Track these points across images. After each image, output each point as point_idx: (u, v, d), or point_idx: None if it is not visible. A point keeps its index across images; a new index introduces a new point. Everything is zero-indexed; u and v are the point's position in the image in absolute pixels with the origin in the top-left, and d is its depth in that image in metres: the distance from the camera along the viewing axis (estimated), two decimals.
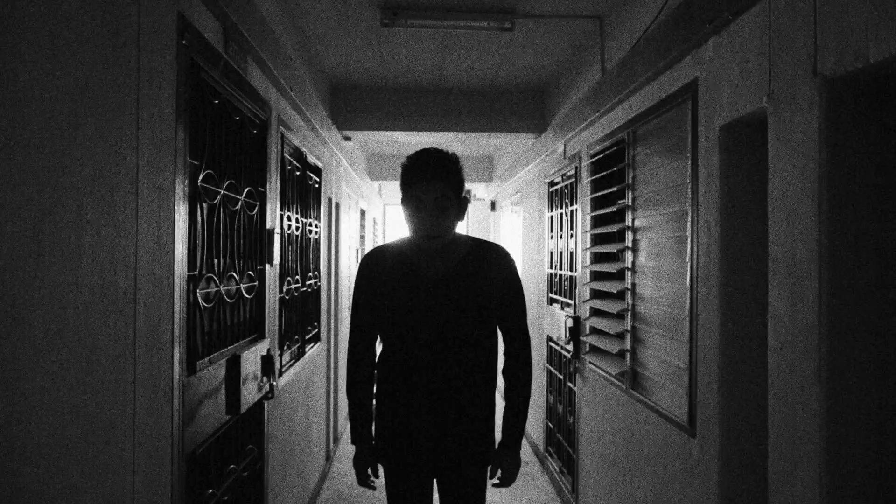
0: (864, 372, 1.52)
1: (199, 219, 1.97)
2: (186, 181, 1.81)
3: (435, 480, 2.18)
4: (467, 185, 10.19)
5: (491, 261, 2.10)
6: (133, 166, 1.47)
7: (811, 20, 1.61)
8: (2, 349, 1.01)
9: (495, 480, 2.17)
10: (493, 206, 8.60)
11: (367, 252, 2.21)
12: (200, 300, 2.00)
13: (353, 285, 7.26)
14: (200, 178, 1.98)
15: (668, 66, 2.50)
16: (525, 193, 6.00)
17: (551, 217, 4.76)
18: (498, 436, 2.17)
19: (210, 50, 1.98)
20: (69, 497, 1.20)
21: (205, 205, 2.03)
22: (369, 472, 2.18)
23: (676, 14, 2.38)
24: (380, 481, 2.25)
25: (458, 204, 2.03)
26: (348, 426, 6.21)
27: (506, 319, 2.13)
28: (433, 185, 1.96)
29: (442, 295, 2.04)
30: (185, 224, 1.80)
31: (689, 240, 2.34)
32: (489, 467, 2.15)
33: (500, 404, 2.31)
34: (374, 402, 2.18)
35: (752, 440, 2.00)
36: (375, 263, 2.14)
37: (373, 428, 2.19)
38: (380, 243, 11.63)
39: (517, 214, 6.67)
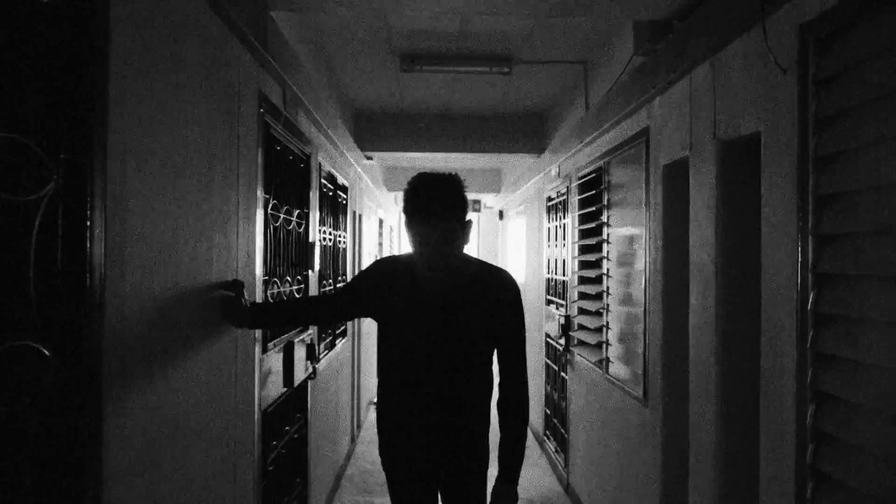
0: (742, 342, 2.16)
1: (268, 236, 2.64)
2: (262, 210, 2.48)
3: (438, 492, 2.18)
4: (477, 196, 10.83)
5: (494, 287, 2.05)
6: (235, 203, 2.14)
7: (712, 99, 2.26)
8: (181, 325, 1.68)
9: None
10: (500, 214, 9.25)
11: (377, 259, 2.27)
12: (269, 298, 2.67)
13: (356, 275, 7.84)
14: (270, 207, 2.65)
15: (630, 113, 3.14)
16: (528, 206, 6.65)
17: (549, 228, 5.41)
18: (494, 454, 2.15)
19: (275, 110, 2.66)
20: (205, 427, 1.87)
21: (271, 226, 2.71)
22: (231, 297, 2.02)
23: (635, 74, 3.03)
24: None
25: (462, 231, 1.96)
26: (371, 411, 6.89)
27: (504, 350, 2.07)
28: (436, 224, 1.88)
29: (443, 317, 2.01)
30: (261, 241, 2.47)
31: (644, 253, 2.98)
32: (490, 501, 2.09)
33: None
34: (377, 418, 2.21)
35: (683, 405, 2.63)
36: (383, 272, 2.13)
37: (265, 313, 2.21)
38: (395, 250, 12.27)
39: (522, 224, 7.32)
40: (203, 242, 1.83)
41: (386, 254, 9.63)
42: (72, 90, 1.17)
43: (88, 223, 1.20)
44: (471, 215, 2.06)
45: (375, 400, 2.25)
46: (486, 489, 2.15)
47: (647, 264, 2.93)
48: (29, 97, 1.09)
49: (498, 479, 2.07)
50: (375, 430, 2.22)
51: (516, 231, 7.89)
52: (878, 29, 1.42)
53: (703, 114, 2.34)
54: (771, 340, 1.86)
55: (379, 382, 2.19)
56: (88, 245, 1.20)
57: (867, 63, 1.47)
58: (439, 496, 2.16)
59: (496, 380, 2.12)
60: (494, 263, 2.23)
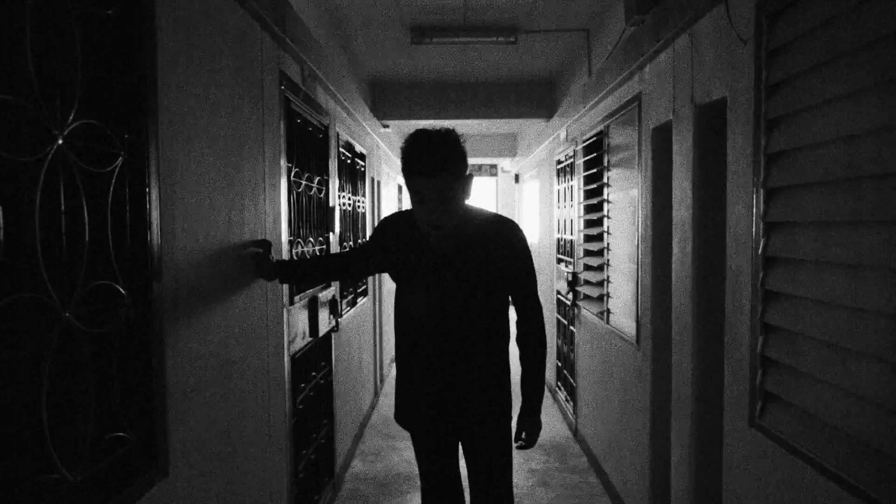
0: (713, 288, 2.40)
1: (291, 202, 2.93)
2: (286, 178, 2.77)
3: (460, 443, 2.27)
4: (495, 160, 10.99)
5: (500, 235, 2.08)
6: (262, 172, 2.43)
7: (690, 68, 2.47)
8: (219, 278, 1.99)
9: (519, 443, 2.22)
10: (516, 178, 9.45)
11: (385, 217, 2.32)
12: (294, 256, 2.98)
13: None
14: (293, 174, 2.94)
15: (625, 80, 3.35)
16: (540, 169, 6.86)
17: (558, 190, 5.63)
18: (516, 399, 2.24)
19: (294, 86, 2.92)
20: (244, 362, 2.19)
21: (294, 192, 3.00)
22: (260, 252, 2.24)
23: (627, 43, 3.22)
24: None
25: (463, 186, 1.98)
26: (392, 368, 7.28)
27: (516, 292, 2.14)
28: (434, 181, 1.90)
29: (451, 270, 2.06)
30: (286, 206, 2.76)
31: (638, 211, 3.21)
32: (515, 431, 2.20)
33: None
34: (395, 370, 2.32)
35: (668, 346, 2.90)
36: (390, 231, 2.19)
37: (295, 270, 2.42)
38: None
39: (536, 186, 7.53)
40: (236, 207, 2.12)
41: None
42: (130, 82, 1.45)
43: (147, 190, 1.49)
44: (477, 173, 2.21)
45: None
46: (509, 437, 2.21)
47: (640, 221, 3.16)
48: (101, 90, 1.38)
49: (521, 409, 2.18)
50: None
51: (531, 194, 8.10)
52: (818, 4, 1.63)
53: (683, 81, 2.55)
54: (732, 283, 2.11)
55: (396, 342, 2.25)
56: (148, 208, 1.49)
57: (808, 35, 1.68)
58: (460, 446, 2.25)
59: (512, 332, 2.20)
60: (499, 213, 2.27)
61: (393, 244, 2.15)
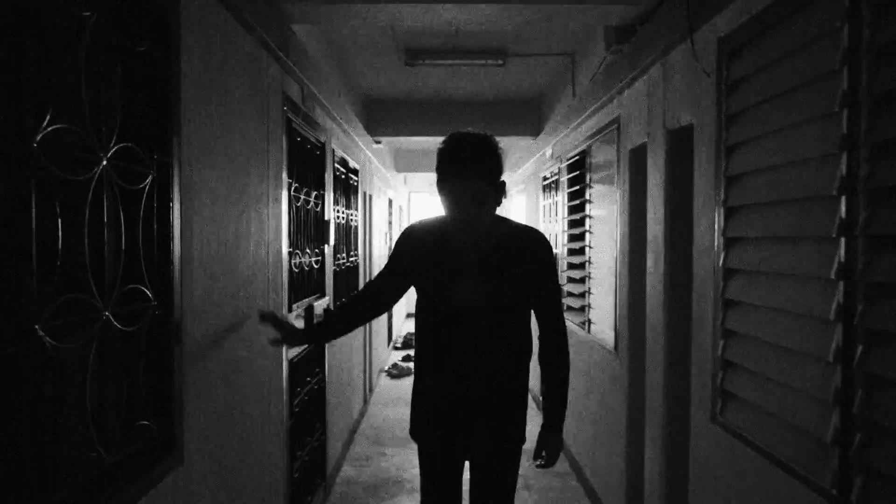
0: (682, 298, 2.61)
1: (291, 215, 3.11)
2: (287, 193, 2.95)
3: (468, 463, 2.18)
4: None
5: (528, 244, 2.04)
6: (266, 187, 2.61)
7: (663, 95, 2.68)
8: (229, 285, 2.16)
9: (539, 462, 2.14)
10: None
11: (407, 226, 2.18)
12: (293, 267, 3.15)
13: (384, 262, 8.37)
14: (293, 189, 3.12)
15: (605, 103, 3.57)
16: (527, 184, 7.08)
17: (544, 205, 5.85)
18: (531, 416, 2.26)
19: (295, 106, 3.11)
20: (247, 366, 2.36)
21: (294, 206, 3.17)
22: (278, 318, 2.17)
23: (607, 70, 3.45)
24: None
25: (497, 192, 1.93)
26: (381, 378, 7.43)
27: (541, 305, 2.08)
28: (470, 183, 1.86)
29: (478, 277, 1.99)
30: (286, 219, 2.94)
31: (617, 227, 3.42)
32: (535, 449, 2.14)
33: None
34: (413, 395, 2.20)
35: (643, 353, 3.09)
36: (416, 238, 2.10)
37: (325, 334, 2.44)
38: (415, 220, 12.67)
39: (523, 201, 7.75)
40: (243, 219, 2.30)
41: (396, 232, 10.09)
42: (159, 108, 1.64)
43: (171, 205, 1.67)
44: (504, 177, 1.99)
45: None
46: (517, 467, 2.15)
47: (619, 236, 3.37)
48: (134, 115, 1.56)
49: (543, 426, 2.11)
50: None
51: (518, 208, 8.32)
52: (768, 46, 1.85)
53: (656, 107, 2.77)
54: (698, 293, 2.31)
55: (417, 353, 2.15)
56: (172, 221, 1.67)
57: (759, 72, 1.90)
58: (469, 470, 2.18)
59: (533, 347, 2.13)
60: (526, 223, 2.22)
61: (420, 253, 2.07)
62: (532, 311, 2.13)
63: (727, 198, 2.06)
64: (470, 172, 1.86)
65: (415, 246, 2.09)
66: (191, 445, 1.81)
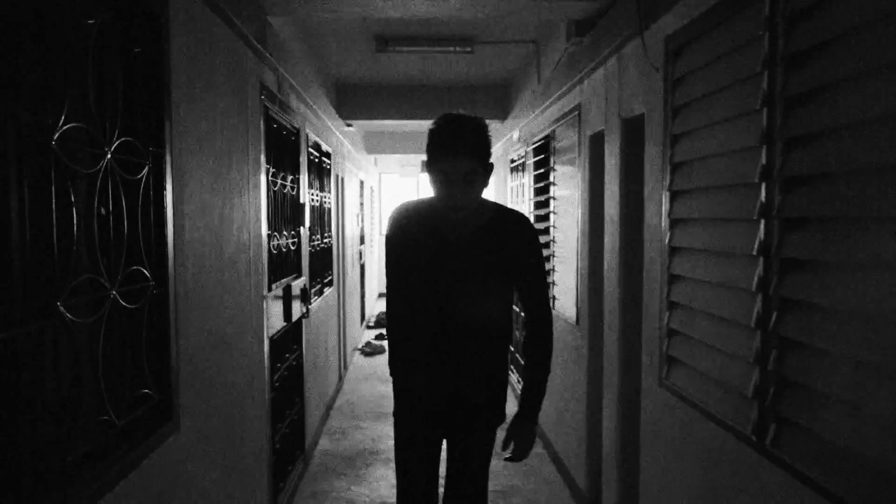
0: (635, 274, 2.84)
1: (269, 199, 3.26)
2: (265, 178, 3.09)
3: (445, 440, 2.19)
4: None
5: (513, 228, 2.05)
6: (246, 173, 2.75)
7: (618, 86, 2.89)
8: (216, 266, 2.31)
9: (507, 454, 2.12)
10: None
11: (395, 210, 2.16)
12: (272, 249, 3.30)
13: (356, 243, 8.54)
14: (270, 174, 3.26)
15: (567, 90, 3.76)
16: (496, 166, 7.27)
17: (512, 187, 6.05)
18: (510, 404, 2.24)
19: (272, 94, 3.24)
20: (232, 341, 2.52)
21: (272, 191, 3.32)
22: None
23: (569, 60, 3.64)
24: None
25: (485, 173, 1.97)
26: (355, 356, 7.61)
27: (526, 289, 2.08)
28: (461, 161, 1.87)
29: (463, 259, 2.01)
30: (265, 203, 3.09)
31: (577, 207, 3.64)
32: (503, 439, 2.12)
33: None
34: (390, 358, 2.18)
35: (601, 325, 3.33)
36: (401, 226, 2.10)
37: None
38: (375, 210, 12.79)
39: (492, 182, 7.94)
40: (227, 205, 2.45)
41: (367, 213, 10.21)
42: (152, 103, 1.78)
43: (164, 193, 1.82)
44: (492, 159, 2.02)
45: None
46: (492, 442, 2.17)
47: (580, 217, 3.59)
48: (133, 113, 1.70)
49: (517, 415, 2.09)
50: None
51: (488, 189, 8.51)
52: (704, 48, 2.05)
53: (612, 96, 2.97)
54: (648, 269, 2.54)
55: (395, 339, 2.14)
56: (165, 207, 1.82)
57: (698, 71, 2.11)
58: (445, 447, 2.19)
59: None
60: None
61: (409, 235, 2.07)
62: (517, 297, 2.11)
63: (672, 183, 2.28)
64: (462, 151, 1.88)
65: (401, 238, 2.09)
66: (185, 413, 1.98)
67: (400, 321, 2.14)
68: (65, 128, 1.33)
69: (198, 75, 2.13)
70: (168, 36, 1.84)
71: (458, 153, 1.89)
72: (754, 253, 1.72)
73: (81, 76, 1.44)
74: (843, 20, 1.38)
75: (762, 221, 1.69)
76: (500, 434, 2.21)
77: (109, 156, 1.53)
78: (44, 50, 1.32)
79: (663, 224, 2.36)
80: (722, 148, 1.92)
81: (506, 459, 2.13)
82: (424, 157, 2.03)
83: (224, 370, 2.41)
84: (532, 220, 4.95)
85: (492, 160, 2.01)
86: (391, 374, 2.18)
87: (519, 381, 5.27)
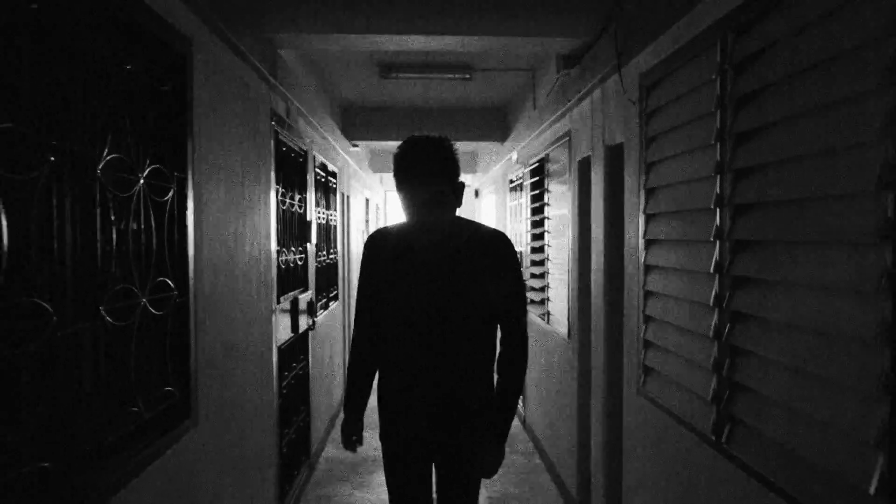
0: (617, 290, 3.04)
1: (279, 217, 3.49)
2: (275, 198, 3.32)
3: (433, 464, 2.16)
4: None
5: (492, 246, 2.02)
6: (258, 194, 2.98)
7: (602, 117, 3.12)
8: (230, 279, 2.54)
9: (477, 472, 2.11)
10: (476, 193, 10.10)
11: (370, 235, 2.15)
12: (280, 264, 3.53)
13: (360, 264, 8.71)
14: (280, 194, 3.50)
15: (559, 118, 4.00)
16: (496, 186, 7.51)
17: (510, 206, 6.28)
18: None
19: (281, 120, 3.48)
20: (244, 348, 2.73)
21: (280, 209, 3.55)
22: (353, 438, 2.23)
23: (559, 89, 3.88)
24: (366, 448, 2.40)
25: (455, 192, 1.94)
26: None
27: (503, 310, 2.03)
28: (427, 185, 1.86)
29: (442, 280, 1.98)
30: (274, 221, 3.32)
31: (569, 227, 3.85)
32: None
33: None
34: (377, 382, 2.17)
35: (590, 339, 3.53)
36: (378, 248, 2.09)
37: (365, 404, 2.24)
38: (381, 225, 13.06)
39: (493, 202, 8.18)
40: (240, 223, 2.68)
41: (372, 229, 10.45)
42: (177, 134, 2.01)
43: (186, 213, 2.05)
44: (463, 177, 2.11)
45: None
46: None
47: (570, 237, 3.81)
48: (161, 142, 1.93)
49: (487, 438, 2.04)
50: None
51: (488, 209, 8.75)
52: (672, 85, 2.28)
53: (597, 125, 3.20)
54: (628, 285, 2.75)
55: (379, 362, 2.14)
56: (187, 226, 2.05)
57: (664, 107, 2.33)
58: (434, 470, 2.16)
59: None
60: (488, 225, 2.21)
61: (384, 260, 2.07)
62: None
63: (646, 206, 2.50)
64: (426, 175, 1.86)
65: (378, 259, 2.08)
66: (202, 411, 2.19)
67: (376, 345, 2.13)
68: (108, 158, 1.56)
69: (215, 106, 2.37)
70: (192, 74, 2.08)
71: (423, 175, 1.86)
72: (711, 271, 1.93)
73: (120, 114, 1.67)
74: (777, 69, 1.60)
75: (717, 243, 1.90)
76: None
77: (142, 181, 1.76)
78: (92, 95, 1.56)
79: (640, 244, 2.57)
80: (686, 176, 2.14)
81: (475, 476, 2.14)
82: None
83: (236, 375, 2.62)
84: (529, 238, 5.17)
85: (461, 179, 1.98)
86: (352, 385, 2.20)
87: None
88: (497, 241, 2.05)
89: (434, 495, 2.21)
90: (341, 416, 5.71)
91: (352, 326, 6.98)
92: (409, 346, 2.03)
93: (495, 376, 2.10)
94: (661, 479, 2.37)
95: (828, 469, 1.38)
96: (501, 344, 2.09)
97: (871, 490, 1.23)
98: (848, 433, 1.32)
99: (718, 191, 1.89)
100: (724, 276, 1.87)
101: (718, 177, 1.89)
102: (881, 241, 1.23)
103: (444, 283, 1.99)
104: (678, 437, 2.21)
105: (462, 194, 2.00)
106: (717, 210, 1.90)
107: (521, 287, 2.09)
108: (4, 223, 1.16)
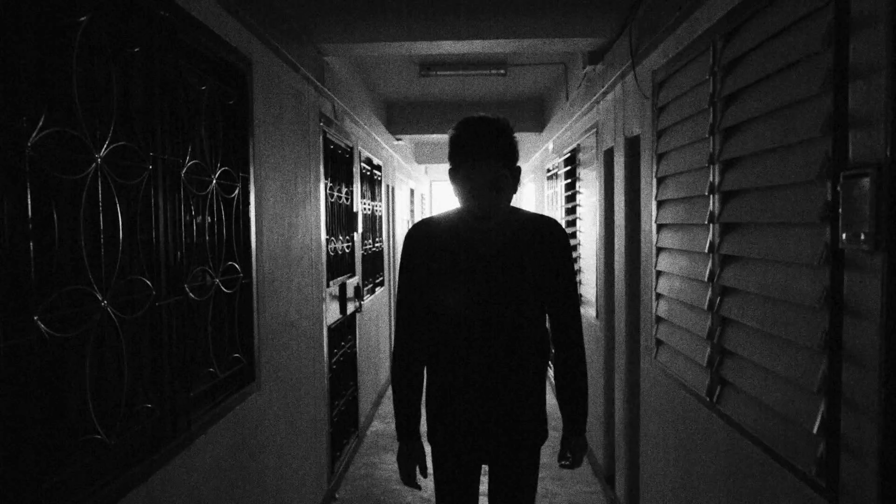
0: (636, 271, 3.28)
1: (327, 209, 3.85)
2: (324, 191, 3.68)
3: (485, 466, 2.09)
4: None
5: (547, 233, 1.93)
6: (309, 188, 3.34)
7: (623, 109, 3.35)
8: (284, 264, 2.90)
9: (565, 462, 2.09)
10: None
11: (413, 226, 2.01)
12: (329, 251, 3.89)
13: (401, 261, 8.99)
14: (328, 188, 3.85)
15: (588, 110, 4.22)
16: (534, 175, 7.74)
17: (548, 195, 6.51)
18: (551, 412, 2.12)
19: (329, 121, 3.83)
20: (299, 324, 3.10)
21: (329, 202, 3.91)
22: (417, 470, 2.03)
23: (587, 84, 4.10)
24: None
25: (513, 177, 1.83)
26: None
27: (558, 295, 1.95)
28: (487, 166, 1.75)
29: (494, 271, 1.88)
30: (324, 213, 3.67)
31: (597, 214, 4.09)
32: (559, 451, 2.09)
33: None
34: (425, 382, 2.03)
35: (613, 318, 3.77)
36: (424, 238, 1.94)
37: (422, 414, 2.02)
38: (426, 215, 13.43)
39: (532, 190, 8.41)
40: (293, 215, 3.04)
41: (418, 219, 10.81)
42: (240, 143, 2.37)
43: (249, 208, 2.40)
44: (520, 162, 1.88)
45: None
46: (537, 463, 2.06)
47: (598, 223, 4.04)
48: (229, 150, 2.29)
49: (566, 429, 2.04)
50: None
51: (529, 196, 8.98)
52: (677, 83, 2.50)
53: (619, 118, 3.43)
54: (644, 266, 2.99)
55: (428, 358, 1.99)
56: (249, 218, 2.40)
57: (672, 103, 2.56)
58: (488, 470, 2.07)
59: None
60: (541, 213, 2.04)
61: (432, 251, 1.92)
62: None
63: (657, 193, 2.73)
64: (486, 154, 1.75)
65: (424, 250, 1.93)
66: (263, 377, 2.56)
67: (423, 345, 1.98)
68: (189, 164, 1.92)
69: (271, 113, 2.72)
70: (251, 88, 2.43)
71: (483, 158, 1.76)
72: (706, 251, 2.17)
73: (197, 127, 2.03)
74: (751, 74, 1.83)
75: (710, 226, 2.14)
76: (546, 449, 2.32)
77: (214, 182, 2.12)
78: (178, 113, 1.91)
79: (652, 228, 2.81)
80: (687, 166, 2.38)
81: (562, 466, 2.12)
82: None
83: (291, 349, 2.99)
84: (564, 224, 5.41)
85: (519, 164, 1.88)
86: (399, 396, 1.99)
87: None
88: (551, 228, 1.96)
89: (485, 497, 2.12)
90: (389, 410, 6.12)
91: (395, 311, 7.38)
92: (461, 341, 1.90)
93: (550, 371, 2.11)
94: (669, 437, 2.62)
95: (787, 416, 1.63)
96: (556, 331, 2.00)
97: (815, 429, 1.48)
98: (800, 384, 1.56)
99: (711, 179, 2.13)
100: (715, 255, 2.11)
101: (711, 167, 2.13)
102: (821, 222, 1.47)
103: (497, 273, 1.88)
104: (682, 400, 2.46)
105: (518, 180, 1.88)
106: (711, 197, 2.14)
107: (574, 276, 2.00)
108: (120, 219, 1.52)
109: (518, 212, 1.97)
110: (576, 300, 2.02)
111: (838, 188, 1.38)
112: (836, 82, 1.41)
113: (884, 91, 1.24)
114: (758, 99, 1.81)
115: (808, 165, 1.52)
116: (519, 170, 1.88)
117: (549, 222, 1.99)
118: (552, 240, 1.94)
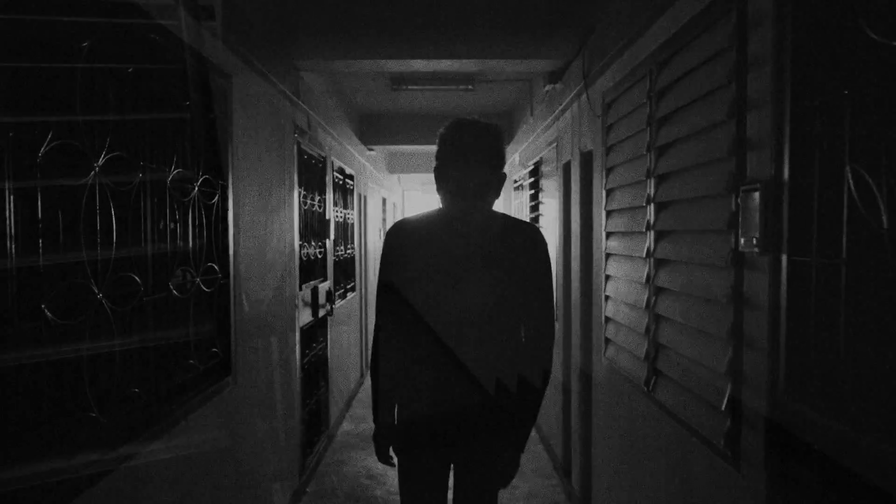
0: (589, 279, 3.53)
1: (301, 216, 4.03)
2: (297, 199, 3.87)
3: (451, 464, 2.04)
4: None
5: (524, 239, 1.93)
6: (283, 196, 3.52)
7: (579, 126, 3.61)
8: (260, 268, 3.08)
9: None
10: None
11: (393, 225, 2.00)
12: (302, 257, 4.07)
13: (378, 257, 9.40)
14: (301, 196, 4.04)
15: (549, 126, 4.49)
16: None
17: (515, 204, 6.77)
18: None
19: (303, 132, 4.02)
20: (272, 324, 3.27)
21: (302, 209, 4.10)
22: (390, 449, 2.07)
23: (548, 100, 4.37)
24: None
25: (498, 183, 1.85)
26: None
27: (531, 306, 1.92)
28: (474, 171, 1.77)
29: (471, 272, 1.86)
30: (297, 220, 3.86)
31: (557, 222, 4.34)
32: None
33: None
34: (377, 383, 2.01)
35: (570, 319, 4.01)
36: (403, 237, 1.94)
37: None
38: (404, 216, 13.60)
39: (500, 200, 8.68)
40: (268, 221, 3.22)
41: (389, 226, 10.98)
42: (220, 153, 2.55)
43: (229, 213, 2.59)
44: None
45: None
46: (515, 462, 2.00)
47: (558, 230, 4.29)
48: (210, 159, 2.47)
49: (506, 444, 1.96)
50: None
51: (497, 206, 9.25)
52: (621, 105, 2.76)
53: (576, 134, 3.69)
54: (596, 271, 3.24)
55: (393, 360, 1.98)
56: (228, 223, 2.59)
57: (617, 122, 2.82)
58: (452, 475, 2.04)
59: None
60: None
61: (410, 250, 1.92)
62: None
63: (606, 203, 2.99)
64: (475, 158, 1.77)
65: (403, 249, 1.93)
66: (239, 372, 2.73)
67: (401, 341, 1.97)
68: (174, 172, 2.11)
69: (248, 124, 2.91)
70: (231, 102, 2.62)
71: (472, 162, 1.77)
72: (644, 256, 2.42)
73: (181, 138, 2.22)
74: (677, 101, 2.09)
75: (648, 234, 2.39)
76: None
77: (196, 189, 2.31)
78: (165, 126, 2.10)
79: (602, 236, 3.06)
80: (630, 179, 2.63)
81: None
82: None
83: (266, 347, 3.17)
84: None
85: (504, 171, 1.90)
86: (377, 400, 2.01)
87: None
88: (530, 233, 1.97)
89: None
90: (360, 412, 6.29)
91: (367, 318, 7.55)
92: (435, 339, 1.88)
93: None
94: (615, 426, 2.86)
95: (702, 397, 1.88)
96: (526, 346, 1.96)
97: (722, 407, 1.72)
98: (712, 369, 1.80)
99: (648, 191, 2.38)
100: (652, 259, 2.35)
101: (648, 180, 2.38)
102: (728, 229, 1.72)
103: (474, 277, 1.87)
104: (627, 392, 2.70)
105: (502, 186, 1.91)
106: (648, 207, 2.39)
107: (551, 283, 1.97)
108: (114, 222, 1.70)
109: (497, 215, 1.98)
110: (549, 306, 1.95)
111: (738, 200, 1.63)
112: (739, 111, 1.66)
113: (769, 120, 1.49)
114: (683, 122, 2.06)
115: (719, 181, 1.77)
116: (504, 176, 1.91)
117: (529, 228, 2.00)
118: (530, 245, 1.93)
